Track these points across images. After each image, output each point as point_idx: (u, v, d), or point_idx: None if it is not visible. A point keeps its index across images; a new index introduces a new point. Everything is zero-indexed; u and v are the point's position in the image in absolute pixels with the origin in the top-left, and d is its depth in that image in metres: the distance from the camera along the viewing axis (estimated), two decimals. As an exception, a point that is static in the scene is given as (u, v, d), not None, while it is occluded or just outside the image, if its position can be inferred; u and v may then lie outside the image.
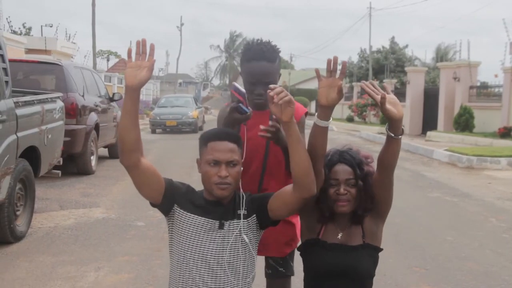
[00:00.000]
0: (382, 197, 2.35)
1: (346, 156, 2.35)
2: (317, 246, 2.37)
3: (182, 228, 2.27)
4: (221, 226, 2.25)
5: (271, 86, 2.14)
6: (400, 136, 2.19)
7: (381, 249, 2.42)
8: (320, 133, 2.22)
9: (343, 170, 2.32)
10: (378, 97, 2.12)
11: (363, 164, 2.36)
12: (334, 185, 2.32)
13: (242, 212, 2.29)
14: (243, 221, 2.28)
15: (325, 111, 2.19)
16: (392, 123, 2.17)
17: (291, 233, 2.84)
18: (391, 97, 2.15)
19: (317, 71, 2.22)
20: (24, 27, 27.38)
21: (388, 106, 2.12)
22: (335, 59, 2.16)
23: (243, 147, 2.38)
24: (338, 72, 2.18)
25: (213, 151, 2.24)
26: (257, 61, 2.65)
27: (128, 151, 2.15)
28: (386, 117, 2.16)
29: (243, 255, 2.28)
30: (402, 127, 2.20)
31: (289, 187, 2.24)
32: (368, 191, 2.34)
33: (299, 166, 2.16)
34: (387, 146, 2.24)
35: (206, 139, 2.30)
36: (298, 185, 2.19)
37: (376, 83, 2.23)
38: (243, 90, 2.57)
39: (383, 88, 2.17)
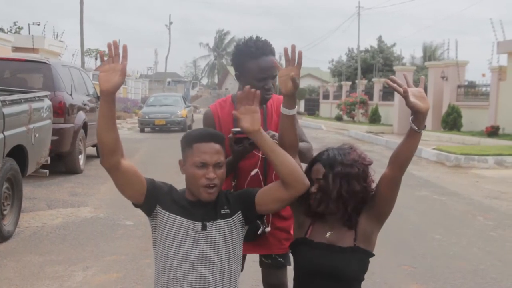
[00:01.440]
0: (387, 197, 2.30)
1: (323, 156, 2.32)
2: (304, 244, 2.34)
3: (165, 229, 2.26)
4: (204, 228, 2.24)
5: (239, 95, 2.22)
6: (422, 130, 2.20)
7: (373, 255, 2.37)
8: (286, 122, 2.27)
9: (316, 170, 2.31)
10: (401, 90, 2.15)
11: (342, 164, 2.27)
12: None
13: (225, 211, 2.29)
14: (228, 220, 2.28)
15: (287, 99, 2.26)
16: (418, 116, 2.17)
17: (289, 227, 2.88)
18: (418, 90, 2.18)
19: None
20: (15, 25, 27.25)
21: (412, 99, 2.14)
22: (293, 47, 2.22)
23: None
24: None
25: (200, 153, 2.22)
26: (266, 56, 2.71)
27: (107, 154, 2.15)
28: (411, 110, 2.17)
29: (228, 253, 2.27)
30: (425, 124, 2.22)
31: (279, 184, 2.24)
32: (350, 192, 2.27)
33: (283, 166, 2.19)
34: (407, 140, 2.23)
35: (191, 141, 2.26)
36: (289, 184, 2.19)
37: (406, 75, 2.28)
38: (238, 128, 2.46)
39: (420, 81, 2.25)
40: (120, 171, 2.18)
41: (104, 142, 2.14)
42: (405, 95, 2.12)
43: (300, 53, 2.21)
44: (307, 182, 2.22)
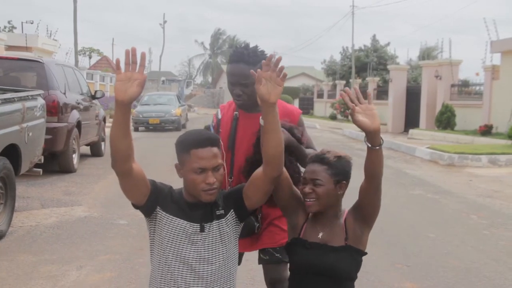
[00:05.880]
0: (368, 201, 2.34)
1: (320, 156, 2.35)
2: (298, 245, 2.37)
3: (164, 230, 2.26)
4: (202, 229, 2.24)
5: (264, 62, 2.07)
6: (377, 147, 2.15)
7: (365, 253, 2.40)
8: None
9: (311, 170, 2.33)
10: (352, 106, 2.13)
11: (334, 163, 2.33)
12: (303, 183, 2.34)
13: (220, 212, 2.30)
14: (222, 220, 2.28)
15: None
16: (367, 134, 2.14)
17: (280, 223, 2.92)
18: (369, 107, 2.13)
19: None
20: (10, 24, 27.20)
21: (359, 117, 2.10)
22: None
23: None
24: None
25: (198, 159, 2.18)
26: (236, 63, 2.79)
27: (120, 160, 2.13)
28: (360, 128, 2.14)
29: (225, 253, 2.28)
30: (381, 138, 2.16)
31: (258, 172, 2.24)
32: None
33: (277, 147, 2.15)
34: (367, 156, 2.21)
35: (188, 146, 2.23)
36: (271, 164, 2.18)
37: (358, 90, 2.20)
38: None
39: (367, 96, 2.16)
40: (131, 176, 2.16)
41: (118, 149, 2.11)
42: (351, 113, 2.10)
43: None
44: (283, 167, 2.23)
